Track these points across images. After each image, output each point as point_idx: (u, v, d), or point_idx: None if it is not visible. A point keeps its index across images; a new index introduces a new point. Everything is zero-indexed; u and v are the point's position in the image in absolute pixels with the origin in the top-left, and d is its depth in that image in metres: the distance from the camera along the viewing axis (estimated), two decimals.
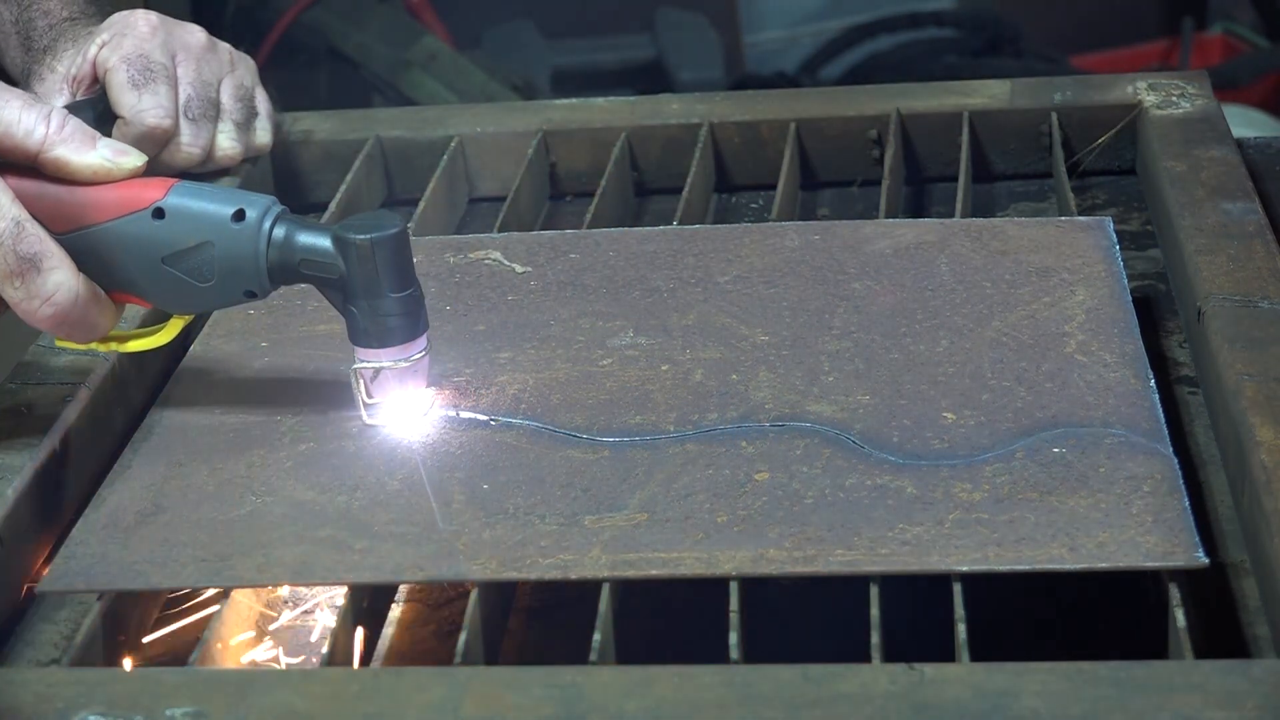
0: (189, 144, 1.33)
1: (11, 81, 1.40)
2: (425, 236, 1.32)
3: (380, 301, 1.01)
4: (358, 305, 1.01)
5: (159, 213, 1.00)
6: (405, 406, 1.05)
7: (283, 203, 1.44)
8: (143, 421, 1.10)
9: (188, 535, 0.98)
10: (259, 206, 1.00)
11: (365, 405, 1.04)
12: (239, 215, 1.00)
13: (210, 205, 1.01)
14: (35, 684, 0.86)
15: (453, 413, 1.06)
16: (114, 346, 1.06)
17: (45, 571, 0.98)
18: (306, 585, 0.98)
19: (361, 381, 1.04)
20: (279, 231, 1.01)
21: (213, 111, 1.35)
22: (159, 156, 1.33)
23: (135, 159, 1.01)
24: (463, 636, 0.91)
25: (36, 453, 1.05)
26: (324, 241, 1.01)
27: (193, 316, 1.06)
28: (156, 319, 1.10)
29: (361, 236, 1.00)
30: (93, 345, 1.05)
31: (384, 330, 1.02)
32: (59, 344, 1.06)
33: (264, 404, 1.09)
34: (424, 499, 0.99)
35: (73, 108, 1.32)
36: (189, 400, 1.11)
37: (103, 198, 1.01)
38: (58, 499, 1.07)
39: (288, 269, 1.01)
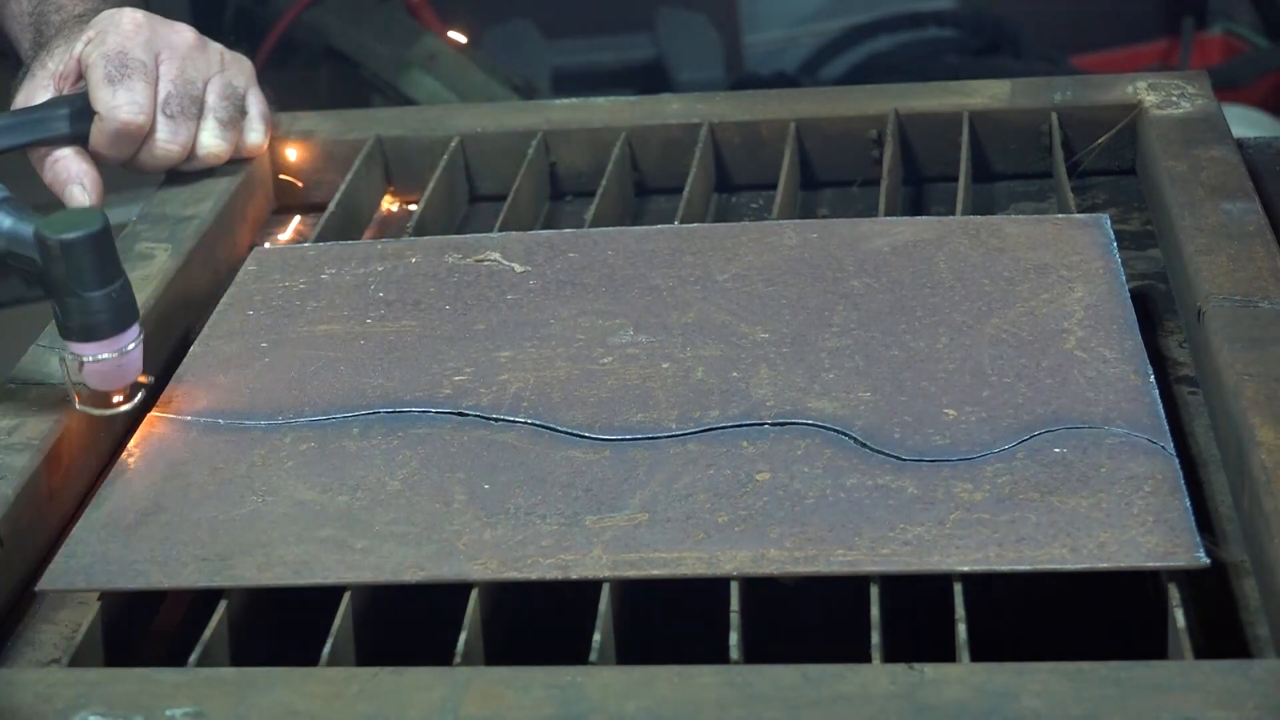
0: (166, 141, 1.33)
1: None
2: (425, 236, 1.32)
3: (78, 299, 1.01)
4: (60, 301, 1.02)
5: None
6: (114, 396, 1.06)
7: (281, 203, 1.45)
8: (142, 421, 1.10)
9: (188, 534, 0.98)
10: None
11: (73, 391, 1.05)
12: None
13: None
14: (35, 684, 0.86)
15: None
16: None
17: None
18: (307, 584, 0.98)
19: (67, 369, 1.04)
20: None
21: (194, 109, 1.34)
22: (137, 154, 1.33)
23: None
24: (463, 636, 0.91)
25: (36, 453, 1.05)
26: (27, 235, 1.01)
27: None
28: None
29: (53, 236, 1.00)
30: None
31: (86, 326, 1.02)
32: None
33: (265, 404, 1.09)
34: (425, 499, 0.99)
35: (54, 103, 1.32)
36: (189, 400, 1.11)
37: None
38: (58, 499, 1.07)
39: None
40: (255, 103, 1.40)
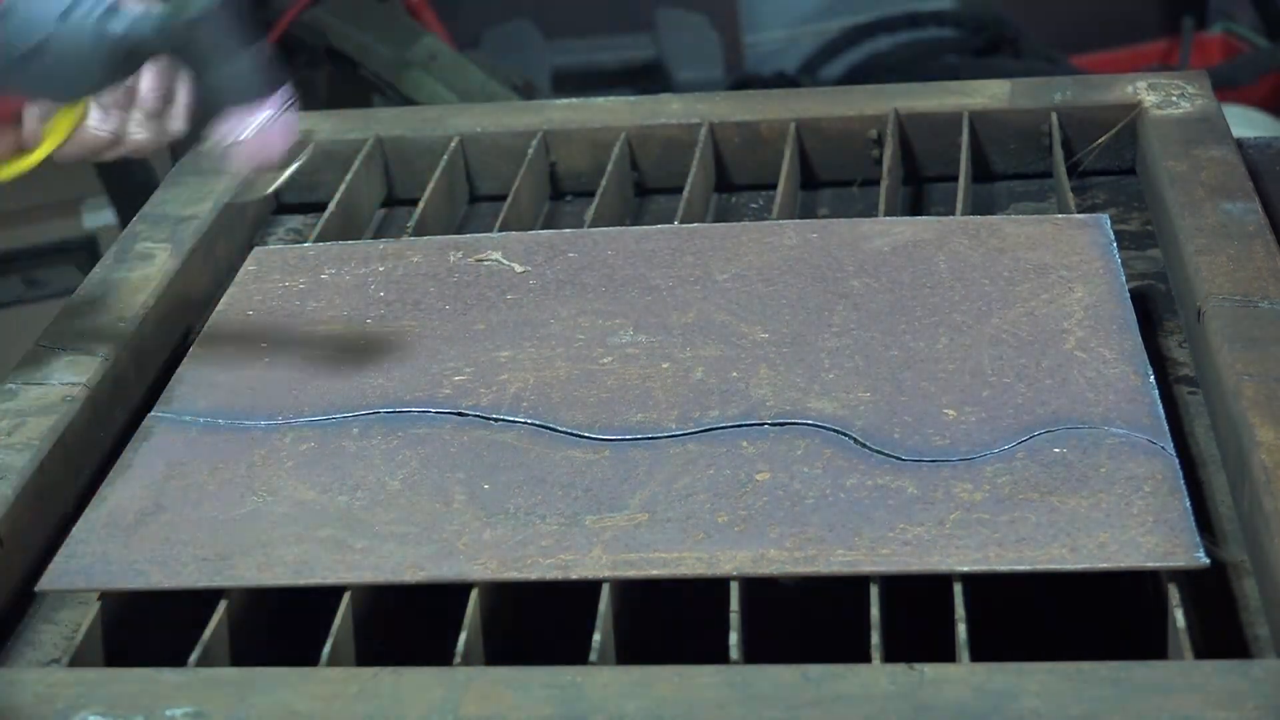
0: (95, 127, 1.33)
1: None
2: (425, 236, 1.32)
3: (222, 70, 1.02)
4: (204, 78, 1.03)
5: None
6: (270, 164, 1.05)
7: (282, 202, 1.44)
8: (143, 421, 1.10)
9: (188, 534, 0.98)
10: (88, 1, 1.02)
11: (255, 172, 1.04)
12: (67, 12, 1.01)
13: (39, 3, 1.02)
14: (35, 684, 0.86)
15: None
16: None
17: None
18: (307, 584, 0.98)
19: (234, 154, 1.04)
20: (107, 22, 1.02)
21: (126, 99, 1.34)
22: (71, 137, 1.33)
23: None
24: (463, 636, 0.91)
25: (36, 453, 1.05)
26: (149, 30, 1.02)
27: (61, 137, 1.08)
28: None
29: (180, 18, 1.01)
30: None
31: (236, 92, 1.03)
32: None
33: (265, 404, 1.09)
34: (425, 499, 0.99)
35: None
36: (189, 400, 1.11)
37: None
38: (58, 499, 1.07)
39: (128, 57, 1.03)
40: (185, 90, 1.39)
